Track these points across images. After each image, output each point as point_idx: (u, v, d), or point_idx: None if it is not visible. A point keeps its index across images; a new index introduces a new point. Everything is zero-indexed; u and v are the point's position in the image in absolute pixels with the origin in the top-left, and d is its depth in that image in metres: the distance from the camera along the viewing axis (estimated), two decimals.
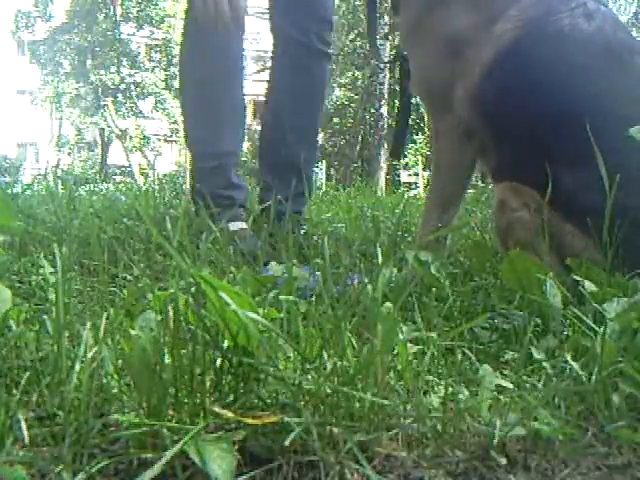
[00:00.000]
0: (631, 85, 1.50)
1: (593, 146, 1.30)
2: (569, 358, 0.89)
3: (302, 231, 2.33)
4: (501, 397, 0.81)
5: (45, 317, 0.91)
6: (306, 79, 2.50)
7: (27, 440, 0.68)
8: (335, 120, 21.68)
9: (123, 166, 25.32)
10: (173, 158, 28.99)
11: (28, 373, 0.79)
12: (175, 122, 25.88)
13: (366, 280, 0.97)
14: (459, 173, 1.79)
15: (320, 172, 10.27)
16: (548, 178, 1.40)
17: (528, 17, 1.54)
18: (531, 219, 1.42)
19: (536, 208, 1.41)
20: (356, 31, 21.22)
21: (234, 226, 2.20)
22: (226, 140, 2.39)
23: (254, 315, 0.70)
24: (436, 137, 1.78)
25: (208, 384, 0.73)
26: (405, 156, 21.42)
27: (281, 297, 0.93)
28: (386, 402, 0.74)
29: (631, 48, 1.53)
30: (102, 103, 25.23)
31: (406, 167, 21.08)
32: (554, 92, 1.51)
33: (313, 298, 1.05)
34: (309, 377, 0.74)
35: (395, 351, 0.87)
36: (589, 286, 1.16)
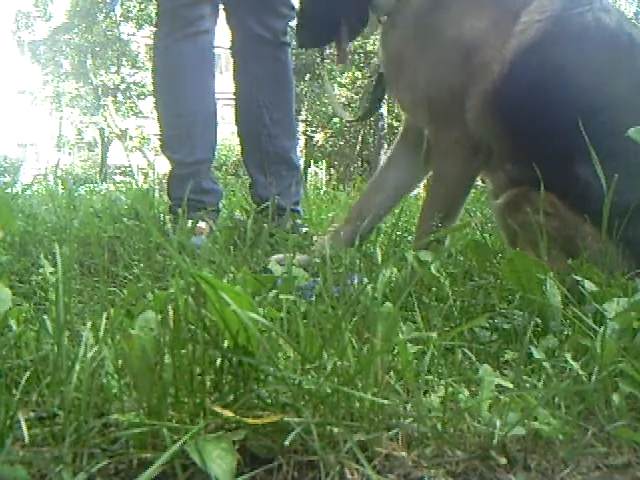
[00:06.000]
0: None
1: (613, 147, 1.28)
2: (569, 358, 0.89)
3: (303, 229, 2.35)
4: (501, 397, 0.81)
5: (45, 317, 0.91)
6: (278, 68, 2.54)
7: (27, 440, 0.68)
8: (335, 120, 21.67)
9: (123, 166, 25.31)
10: None
11: (28, 373, 0.79)
12: None
13: (366, 280, 0.97)
14: (462, 187, 1.73)
15: (320, 172, 10.27)
16: (567, 180, 1.37)
17: (551, 10, 1.50)
18: (546, 222, 1.38)
19: (552, 212, 1.38)
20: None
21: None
22: (200, 149, 2.47)
23: (254, 315, 0.70)
24: (439, 151, 1.69)
25: (208, 384, 0.73)
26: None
27: (281, 297, 0.93)
28: (386, 402, 0.74)
29: None
30: (102, 103, 25.22)
31: None
32: (585, 88, 1.46)
33: (313, 298, 1.05)
34: (309, 377, 0.74)
35: (395, 351, 0.87)
36: (589, 286, 1.16)
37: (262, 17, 2.45)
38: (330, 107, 21.39)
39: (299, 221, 2.45)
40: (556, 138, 1.47)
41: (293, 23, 2.57)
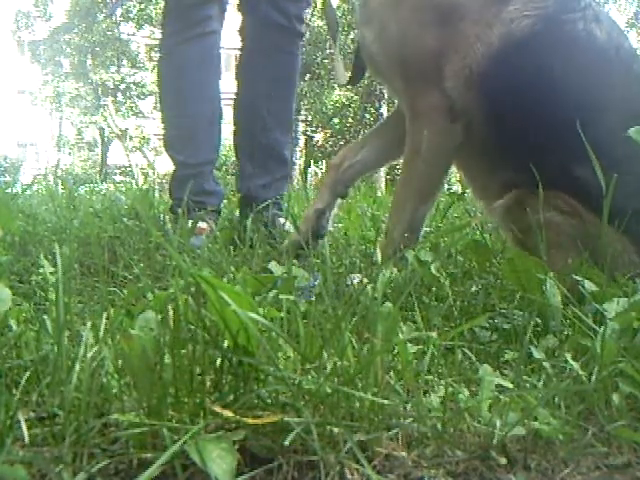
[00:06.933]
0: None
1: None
2: (569, 358, 0.89)
3: (282, 220, 2.33)
4: (501, 397, 0.81)
5: (45, 317, 0.91)
6: (288, 61, 2.49)
7: (27, 440, 0.68)
8: (335, 120, 21.68)
9: (123, 166, 25.32)
10: None
11: (28, 373, 0.79)
12: None
13: (366, 280, 0.97)
14: (445, 159, 1.62)
15: (320, 172, 10.30)
16: (564, 184, 1.38)
17: (543, 8, 1.48)
18: (563, 221, 1.37)
19: (569, 211, 1.36)
20: (356, 31, 21.17)
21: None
22: (203, 150, 2.46)
23: (254, 315, 0.70)
24: (416, 118, 1.59)
25: (208, 384, 0.73)
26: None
27: (281, 297, 0.93)
28: (386, 402, 0.74)
29: (634, 56, 1.53)
30: (102, 103, 25.22)
31: None
32: (573, 94, 1.45)
33: (313, 298, 1.05)
34: (309, 377, 0.74)
35: (395, 351, 0.87)
36: (589, 286, 1.16)
37: (277, 1, 2.39)
38: (330, 107, 21.39)
39: (279, 213, 2.42)
40: (548, 140, 1.47)
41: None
